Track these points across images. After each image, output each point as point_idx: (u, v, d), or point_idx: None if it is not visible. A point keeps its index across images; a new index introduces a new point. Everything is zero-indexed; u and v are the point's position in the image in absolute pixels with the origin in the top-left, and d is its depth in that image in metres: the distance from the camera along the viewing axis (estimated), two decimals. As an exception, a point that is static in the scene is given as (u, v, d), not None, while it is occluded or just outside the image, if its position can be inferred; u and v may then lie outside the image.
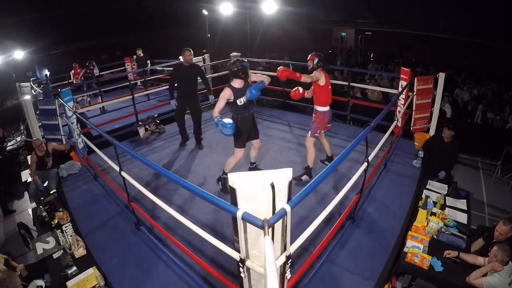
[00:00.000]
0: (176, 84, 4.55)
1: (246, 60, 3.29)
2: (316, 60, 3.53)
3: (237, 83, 3.25)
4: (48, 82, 8.97)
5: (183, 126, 4.86)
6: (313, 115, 3.70)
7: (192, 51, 4.46)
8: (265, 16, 11.25)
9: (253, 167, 3.85)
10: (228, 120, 2.96)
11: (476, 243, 2.94)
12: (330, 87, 3.59)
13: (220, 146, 4.90)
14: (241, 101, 3.25)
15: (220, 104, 3.20)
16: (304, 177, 3.72)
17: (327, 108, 3.62)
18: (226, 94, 3.20)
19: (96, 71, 7.98)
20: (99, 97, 7.71)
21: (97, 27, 13.59)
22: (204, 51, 11.19)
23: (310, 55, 3.58)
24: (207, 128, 5.62)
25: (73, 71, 8.36)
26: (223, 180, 3.63)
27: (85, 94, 7.23)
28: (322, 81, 3.50)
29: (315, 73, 3.47)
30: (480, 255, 2.66)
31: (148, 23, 15.20)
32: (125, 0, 14.59)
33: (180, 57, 7.63)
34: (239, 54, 6.63)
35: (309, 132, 3.66)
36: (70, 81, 8.80)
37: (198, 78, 4.67)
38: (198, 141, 4.92)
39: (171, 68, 8.22)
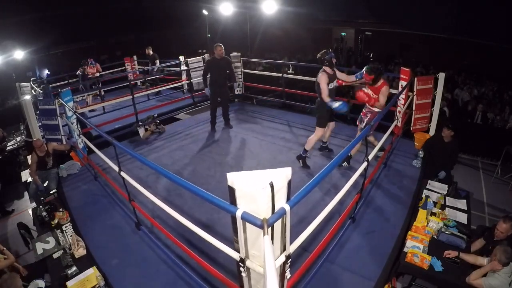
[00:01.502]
0: (208, 75, 5.12)
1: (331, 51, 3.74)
2: (377, 74, 3.74)
3: (328, 69, 3.66)
4: (45, 81, 9.03)
5: (215, 112, 5.40)
6: (369, 114, 3.96)
7: (222, 46, 5.01)
8: (265, 16, 11.25)
9: (325, 146, 4.39)
10: (339, 102, 3.60)
11: (476, 243, 2.94)
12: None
13: (220, 146, 4.91)
14: (331, 85, 3.69)
15: (325, 88, 3.62)
16: (344, 164, 4.07)
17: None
18: (324, 79, 3.60)
19: (89, 71, 7.99)
20: (90, 97, 7.72)
21: (97, 27, 13.58)
22: (204, 51, 11.19)
23: (366, 73, 3.74)
24: (208, 128, 5.62)
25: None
26: (303, 158, 4.09)
27: (83, 94, 7.26)
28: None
29: (385, 90, 3.70)
30: (480, 255, 2.66)
31: (148, 23, 15.20)
32: (125, 0, 14.59)
33: (180, 57, 7.71)
34: (239, 54, 6.63)
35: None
36: (70, 81, 8.84)
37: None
38: (227, 121, 5.58)
39: (172, 69, 8.36)
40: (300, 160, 4.11)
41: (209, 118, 5.53)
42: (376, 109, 3.84)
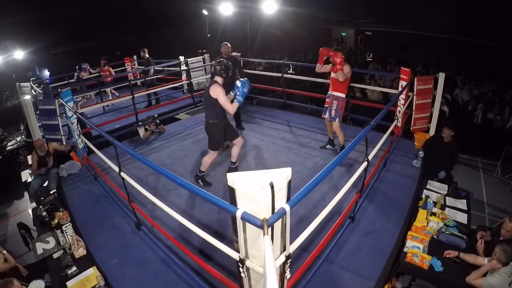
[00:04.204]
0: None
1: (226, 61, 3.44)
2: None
3: (220, 81, 3.36)
4: (45, 81, 9.03)
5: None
6: (335, 101, 4.08)
7: (229, 45, 4.93)
8: (265, 16, 11.25)
9: (234, 167, 3.90)
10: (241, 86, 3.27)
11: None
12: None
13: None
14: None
15: (226, 98, 3.28)
16: (327, 146, 4.32)
17: (344, 95, 4.10)
18: (221, 90, 3.27)
19: (83, 74, 7.91)
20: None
21: (97, 27, 13.57)
22: (204, 51, 11.17)
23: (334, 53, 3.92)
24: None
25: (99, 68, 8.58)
26: (201, 177, 3.79)
27: (83, 94, 7.26)
28: (349, 72, 3.99)
29: (346, 68, 3.89)
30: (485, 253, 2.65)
31: (148, 23, 15.17)
32: (125, 0, 14.58)
33: (180, 57, 7.70)
34: (239, 54, 6.63)
35: (337, 118, 4.10)
36: (71, 80, 8.83)
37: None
38: (238, 123, 5.47)
39: (172, 69, 8.33)
40: (199, 180, 3.77)
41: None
42: (338, 94, 4.04)
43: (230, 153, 3.87)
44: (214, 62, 3.34)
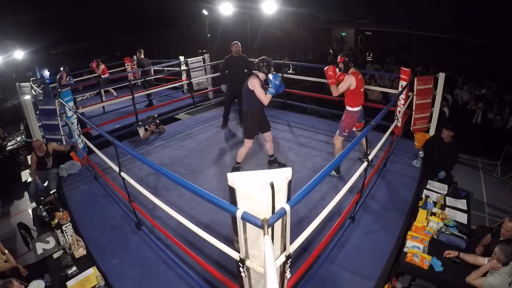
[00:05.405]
0: (226, 72, 5.26)
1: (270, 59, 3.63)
2: (346, 61, 3.57)
3: (261, 75, 3.58)
4: (46, 81, 8.96)
5: (228, 108, 5.48)
6: (344, 114, 3.80)
7: (239, 44, 5.14)
8: (265, 16, 11.25)
9: (273, 159, 4.13)
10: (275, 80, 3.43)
11: (483, 240, 2.93)
12: (362, 89, 3.62)
13: (220, 146, 4.91)
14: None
15: (261, 90, 3.52)
16: (332, 173, 3.86)
17: (357, 108, 3.68)
18: (258, 82, 3.51)
19: (64, 80, 7.73)
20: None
21: (97, 27, 13.57)
22: (204, 51, 11.17)
23: (339, 57, 3.63)
24: (208, 128, 5.63)
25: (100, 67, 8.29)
26: (236, 169, 3.93)
27: (84, 94, 7.24)
28: (353, 85, 3.52)
29: (347, 79, 3.51)
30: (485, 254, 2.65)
31: (148, 23, 15.18)
32: (125, 0, 14.58)
33: (180, 57, 7.70)
34: (239, 54, 6.62)
35: (338, 131, 3.82)
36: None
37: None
38: (239, 121, 5.60)
39: (172, 69, 8.33)
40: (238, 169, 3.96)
41: (209, 118, 5.54)
42: (348, 108, 3.71)
43: (236, 154, 4.03)
44: (256, 60, 3.60)
